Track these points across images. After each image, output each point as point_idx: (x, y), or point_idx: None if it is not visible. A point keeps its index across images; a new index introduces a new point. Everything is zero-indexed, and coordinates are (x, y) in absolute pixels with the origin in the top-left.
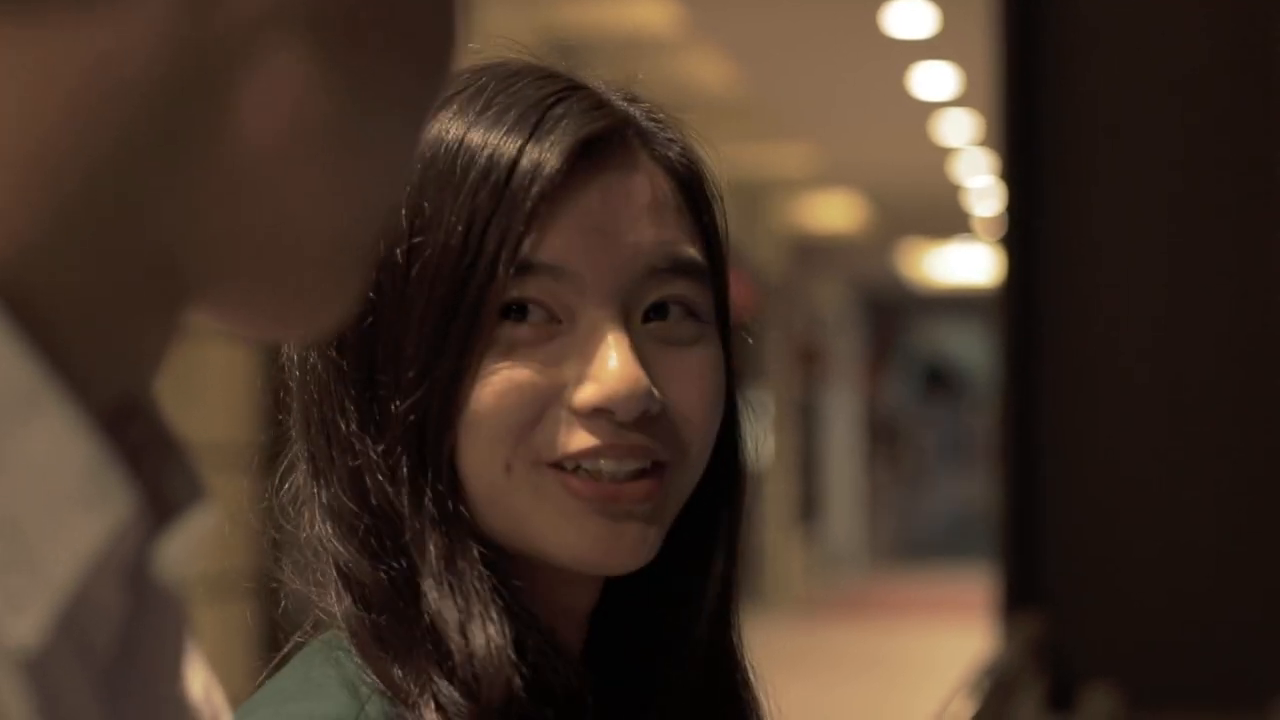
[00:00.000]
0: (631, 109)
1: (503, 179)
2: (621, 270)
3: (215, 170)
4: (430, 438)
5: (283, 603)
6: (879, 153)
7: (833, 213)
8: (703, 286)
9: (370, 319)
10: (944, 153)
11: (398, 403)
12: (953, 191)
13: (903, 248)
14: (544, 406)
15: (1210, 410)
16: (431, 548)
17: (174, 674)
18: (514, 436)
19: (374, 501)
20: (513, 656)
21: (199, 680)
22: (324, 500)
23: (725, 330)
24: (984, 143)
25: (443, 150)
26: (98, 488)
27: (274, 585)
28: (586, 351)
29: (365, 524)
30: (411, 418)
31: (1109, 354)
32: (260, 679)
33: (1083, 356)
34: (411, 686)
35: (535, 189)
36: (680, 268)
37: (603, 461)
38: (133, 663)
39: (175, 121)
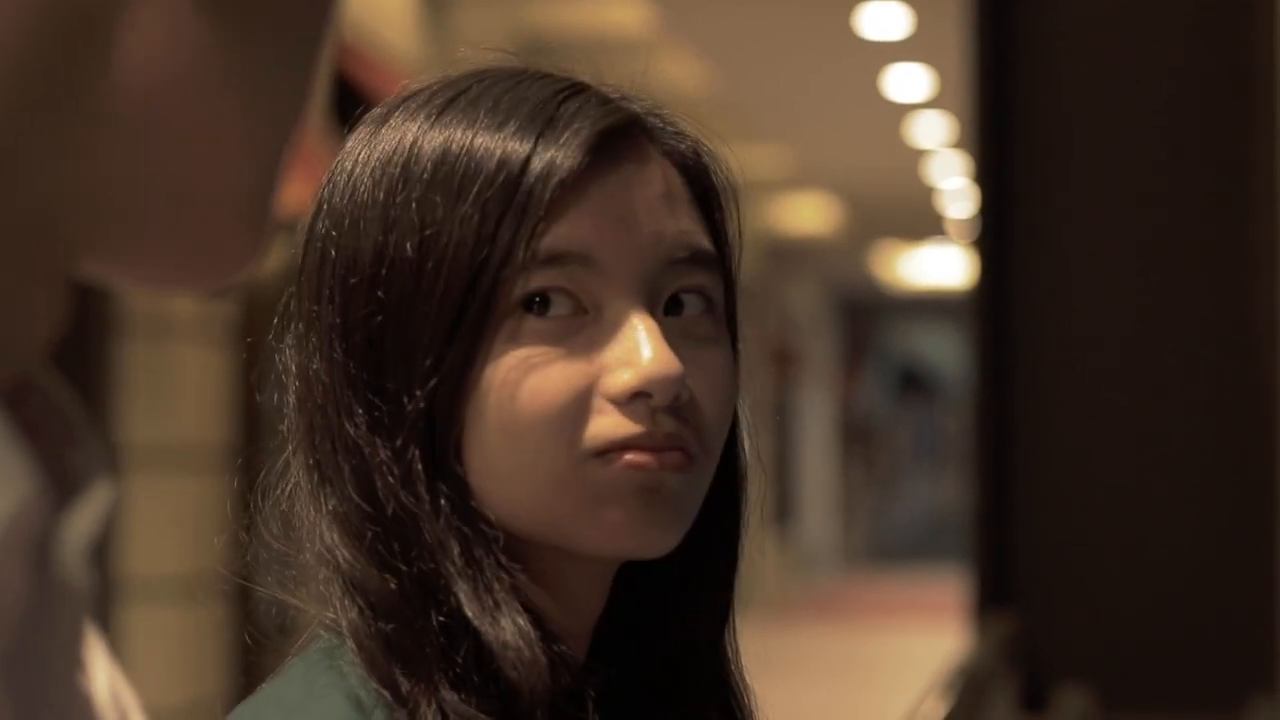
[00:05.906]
0: (635, 106)
1: (519, 171)
2: (645, 259)
3: (98, 119)
4: (442, 433)
5: (258, 607)
6: (852, 154)
7: (806, 215)
8: (718, 280)
9: (379, 317)
10: (917, 155)
11: (408, 399)
12: (926, 193)
13: (876, 250)
14: (584, 398)
15: (1182, 411)
16: (454, 544)
17: (74, 666)
18: (567, 434)
19: (384, 504)
20: (545, 645)
21: (103, 675)
22: (330, 508)
23: (733, 334)
24: (957, 145)
25: (454, 149)
26: None
27: (245, 588)
28: (617, 339)
29: (374, 530)
30: (423, 411)
31: (1081, 356)
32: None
33: (1055, 358)
34: (418, 697)
35: (554, 179)
36: (698, 258)
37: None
38: (32, 652)
39: (50, 75)
